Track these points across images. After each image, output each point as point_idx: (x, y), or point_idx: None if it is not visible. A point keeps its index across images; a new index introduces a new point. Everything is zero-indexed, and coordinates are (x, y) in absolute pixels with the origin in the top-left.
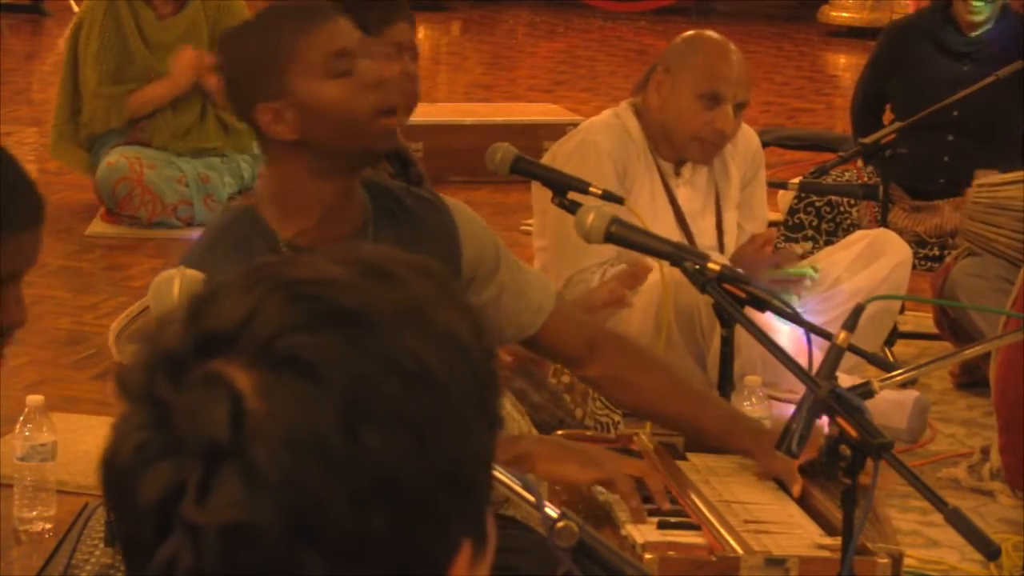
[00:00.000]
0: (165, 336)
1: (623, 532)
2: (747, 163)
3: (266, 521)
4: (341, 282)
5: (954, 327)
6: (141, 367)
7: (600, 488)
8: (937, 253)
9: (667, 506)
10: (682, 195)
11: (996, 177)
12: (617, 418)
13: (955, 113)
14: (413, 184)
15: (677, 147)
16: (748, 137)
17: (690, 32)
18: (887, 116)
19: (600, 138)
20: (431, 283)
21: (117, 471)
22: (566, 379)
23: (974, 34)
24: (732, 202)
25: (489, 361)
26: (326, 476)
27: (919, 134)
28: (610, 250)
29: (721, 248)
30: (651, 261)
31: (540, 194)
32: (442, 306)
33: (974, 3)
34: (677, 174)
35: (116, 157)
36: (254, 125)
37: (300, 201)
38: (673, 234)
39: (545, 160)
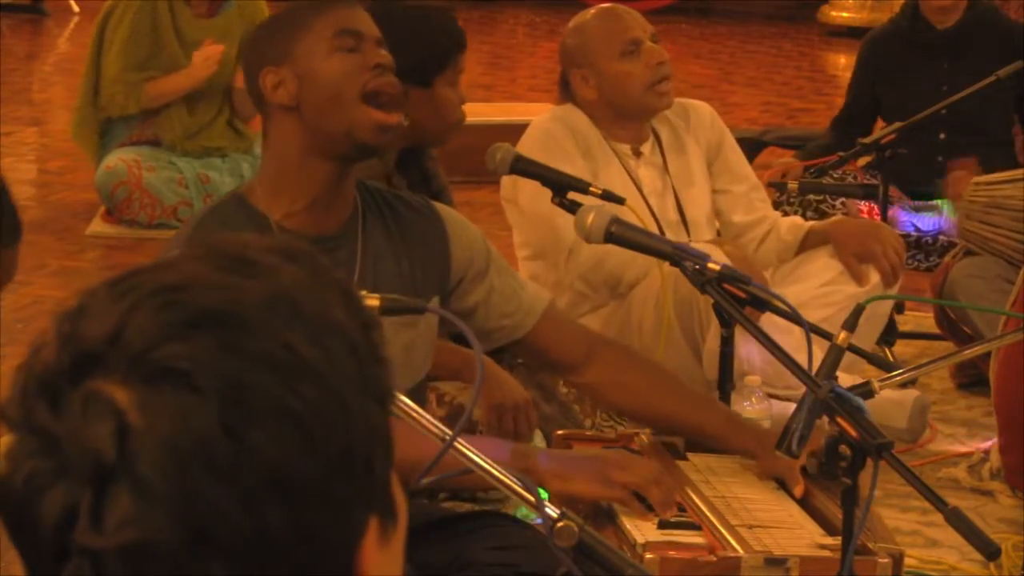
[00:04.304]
0: (40, 359)
1: (623, 532)
2: (706, 131)
3: (163, 535)
4: (205, 282)
5: (954, 328)
6: (19, 395)
7: None
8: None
9: (671, 516)
10: (643, 175)
11: (993, 175)
12: (622, 430)
13: (943, 111)
14: (434, 195)
15: (638, 113)
16: (698, 108)
17: (567, 27)
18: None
19: (554, 126)
20: (298, 266)
21: (12, 501)
22: None
23: (945, 27)
24: (697, 176)
25: (370, 334)
26: (215, 482)
27: (911, 135)
28: None
29: (684, 223)
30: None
31: (512, 209)
32: (311, 288)
33: None
34: (636, 154)
35: (114, 161)
36: (259, 93)
37: (292, 180)
38: (643, 214)
39: None
